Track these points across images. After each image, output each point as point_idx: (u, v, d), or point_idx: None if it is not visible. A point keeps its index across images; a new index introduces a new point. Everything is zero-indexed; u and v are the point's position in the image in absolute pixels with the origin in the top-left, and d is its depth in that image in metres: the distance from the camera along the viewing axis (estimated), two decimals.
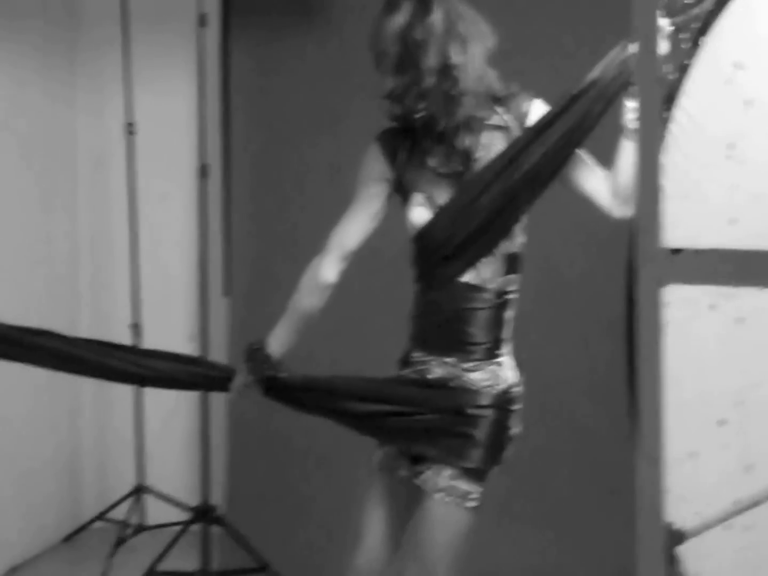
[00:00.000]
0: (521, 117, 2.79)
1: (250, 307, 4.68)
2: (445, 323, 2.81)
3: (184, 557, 4.48)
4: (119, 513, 4.85)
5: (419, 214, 2.81)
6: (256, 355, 2.87)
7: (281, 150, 4.70)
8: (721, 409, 3.20)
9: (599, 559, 4.26)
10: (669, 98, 2.86)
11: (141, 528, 4.84)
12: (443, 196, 2.80)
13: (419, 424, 2.81)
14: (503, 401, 2.81)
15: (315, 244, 4.37)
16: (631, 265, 3.02)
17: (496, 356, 2.83)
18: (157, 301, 4.99)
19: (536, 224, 2.87)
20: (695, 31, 2.99)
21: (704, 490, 3.17)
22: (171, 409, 4.71)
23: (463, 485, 2.77)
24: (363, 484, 3.01)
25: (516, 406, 2.85)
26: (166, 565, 4.29)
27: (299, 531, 4.60)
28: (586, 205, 2.84)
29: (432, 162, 2.81)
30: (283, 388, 2.90)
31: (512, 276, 2.84)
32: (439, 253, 2.79)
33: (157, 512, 4.88)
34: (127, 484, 4.91)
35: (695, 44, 3.01)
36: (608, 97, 2.74)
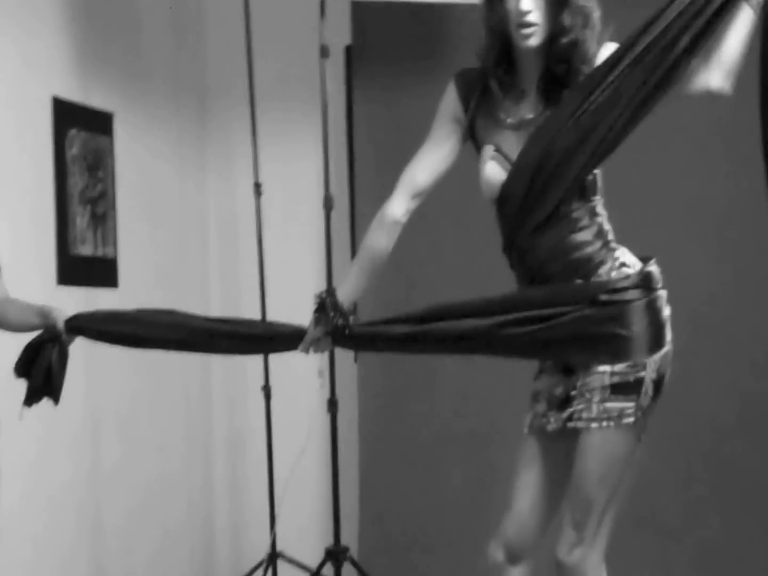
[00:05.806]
0: (590, 62, 2.68)
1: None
2: (548, 269, 2.70)
3: None
4: None
5: (491, 169, 2.74)
6: (324, 304, 2.72)
7: None
8: None
9: None
10: None
11: None
12: (513, 148, 2.72)
13: (548, 333, 2.60)
14: (637, 282, 2.64)
15: (439, 276, 4.38)
16: None
17: (612, 255, 2.72)
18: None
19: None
20: None
21: None
22: (300, 470, 4.63)
23: (616, 404, 2.63)
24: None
25: (655, 287, 2.66)
26: None
27: None
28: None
29: (502, 113, 2.76)
30: (355, 337, 2.75)
31: (595, 197, 2.75)
32: (523, 209, 2.68)
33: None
34: (260, 550, 4.80)
35: None
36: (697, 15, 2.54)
